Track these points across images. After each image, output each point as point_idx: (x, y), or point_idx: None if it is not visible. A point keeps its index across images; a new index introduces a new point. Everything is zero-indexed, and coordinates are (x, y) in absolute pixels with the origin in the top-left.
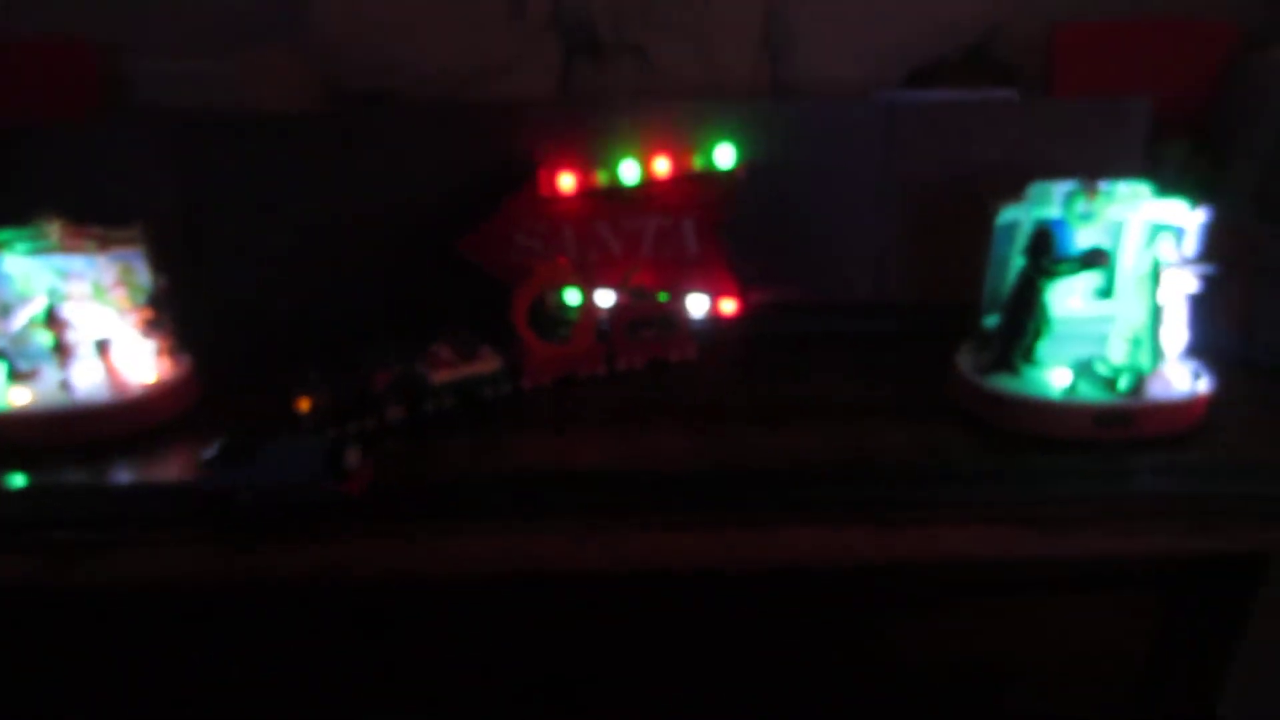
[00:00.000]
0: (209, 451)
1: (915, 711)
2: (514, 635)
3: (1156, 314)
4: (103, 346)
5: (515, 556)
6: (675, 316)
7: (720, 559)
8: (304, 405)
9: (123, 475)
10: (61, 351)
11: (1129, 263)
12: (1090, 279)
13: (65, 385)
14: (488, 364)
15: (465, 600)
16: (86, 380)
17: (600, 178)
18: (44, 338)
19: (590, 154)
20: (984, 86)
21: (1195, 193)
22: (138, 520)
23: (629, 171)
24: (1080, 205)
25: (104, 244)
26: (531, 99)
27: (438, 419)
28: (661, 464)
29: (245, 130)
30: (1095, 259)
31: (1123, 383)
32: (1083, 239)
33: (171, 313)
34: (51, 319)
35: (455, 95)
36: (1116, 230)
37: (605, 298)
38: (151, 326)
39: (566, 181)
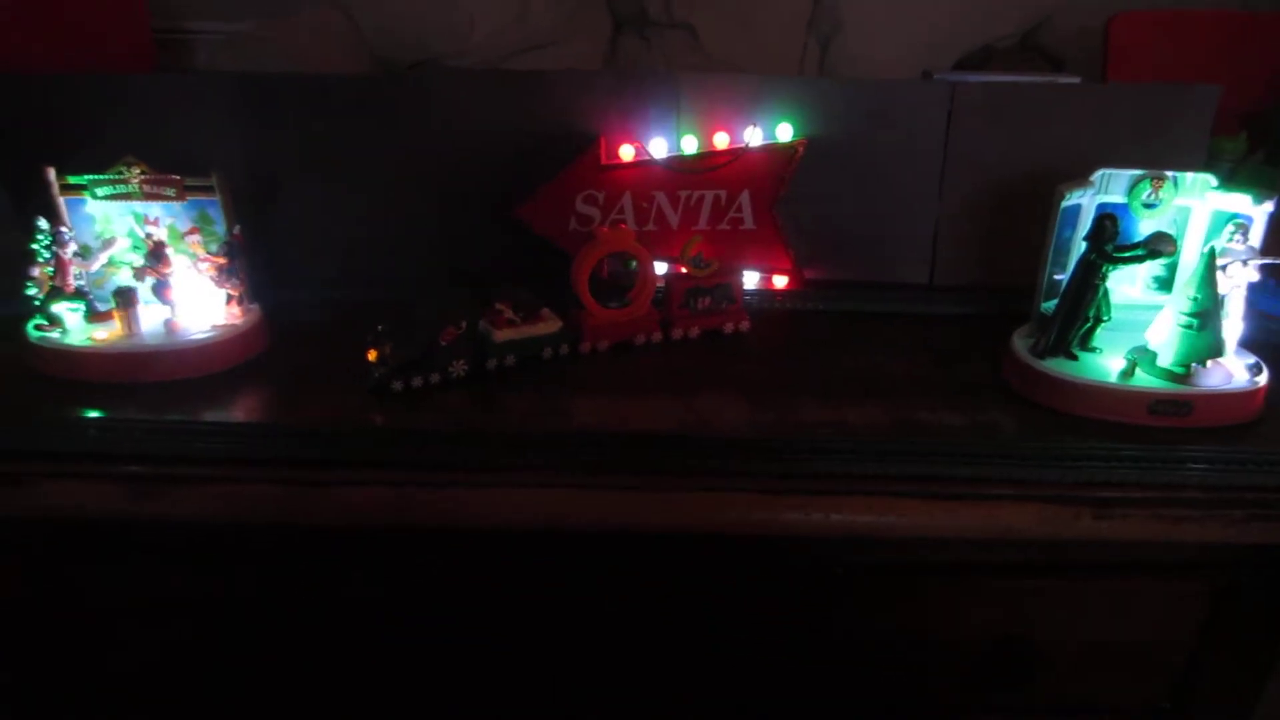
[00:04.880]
0: None
1: (949, 685)
2: (565, 588)
3: (1217, 304)
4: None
5: (571, 511)
6: (731, 289)
7: (777, 525)
8: (372, 356)
9: (200, 414)
10: (162, 292)
11: (1191, 253)
12: (1151, 268)
13: (137, 326)
14: (549, 325)
15: (518, 551)
16: (155, 322)
17: (659, 149)
18: (138, 278)
19: (650, 125)
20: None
21: (1251, 188)
22: (212, 459)
23: (688, 144)
24: (1145, 193)
25: (182, 191)
26: (589, 68)
27: (499, 376)
28: (718, 430)
29: (309, 90)
30: (1161, 246)
31: (1176, 365)
32: (1145, 227)
33: (244, 262)
34: (156, 257)
35: (500, 66)
36: (1180, 219)
37: (662, 267)
38: (224, 274)
39: (627, 151)
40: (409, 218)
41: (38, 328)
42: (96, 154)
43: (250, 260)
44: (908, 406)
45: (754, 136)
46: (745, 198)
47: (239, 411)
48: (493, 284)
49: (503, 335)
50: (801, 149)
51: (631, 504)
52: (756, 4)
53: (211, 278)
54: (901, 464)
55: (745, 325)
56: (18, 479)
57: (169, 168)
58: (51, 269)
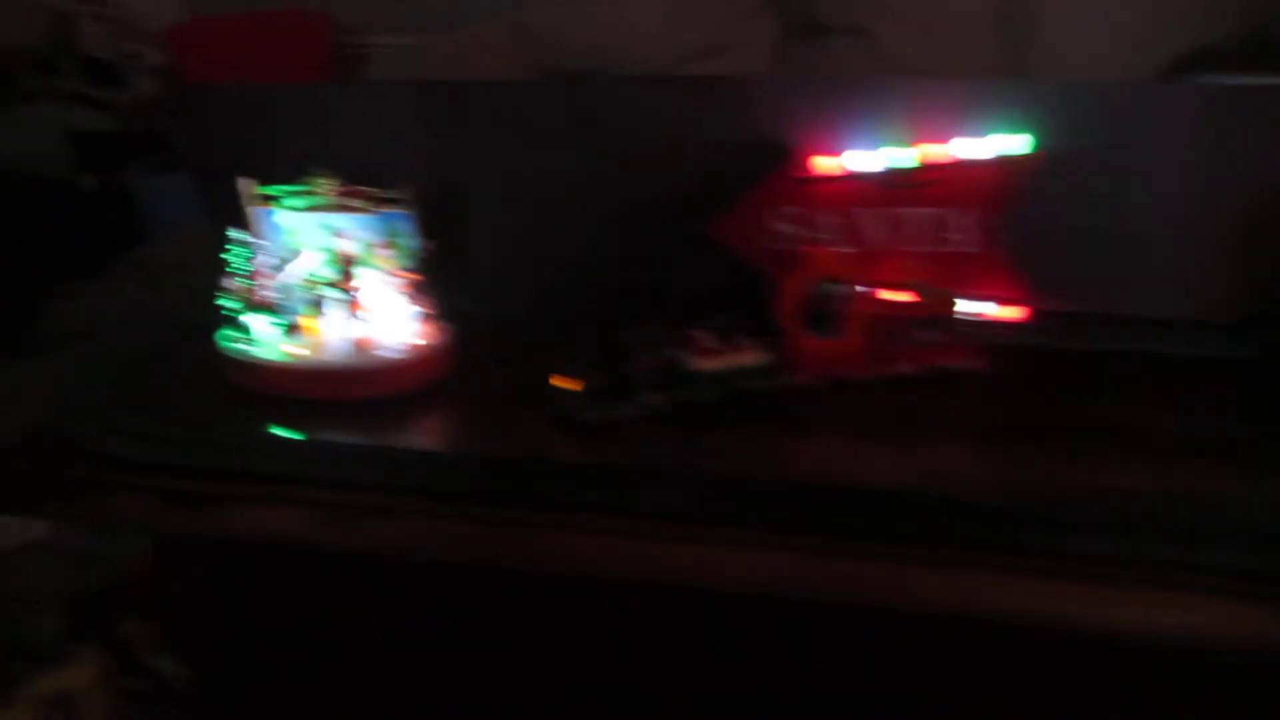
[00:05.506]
0: None
1: None
2: (779, 663)
3: None
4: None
5: (789, 576)
6: (959, 320)
7: (1030, 611)
8: (564, 383)
9: (393, 439)
10: (352, 307)
11: None
12: None
13: (328, 341)
14: (755, 355)
15: (730, 616)
16: (346, 338)
17: (867, 161)
18: (329, 292)
19: (853, 135)
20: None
21: None
22: (414, 489)
23: (901, 156)
24: None
25: (374, 204)
26: (783, 74)
27: (699, 411)
28: (952, 488)
29: (491, 98)
30: None
31: None
32: None
33: (436, 278)
34: (345, 274)
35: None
36: None
37: (882, 293)
38: (418, 291)
39: (827, 163)
40: (593, 233)
41: (230, 340)
42: (288, 165)
43: (440, 275)
44: (1185, 473)
45: (976, 148)
46: (967, 216)
47: (432, 438)
48: (685, 307)
49: (703, 364)
50: (1036, 162)
51: (858, 574)
52: (938, 5)
53: (406, 294)
54: (1192, 549)
55: (977, 363)
56: (204, 499)
57: (356, 179)
58: (245, 280)
